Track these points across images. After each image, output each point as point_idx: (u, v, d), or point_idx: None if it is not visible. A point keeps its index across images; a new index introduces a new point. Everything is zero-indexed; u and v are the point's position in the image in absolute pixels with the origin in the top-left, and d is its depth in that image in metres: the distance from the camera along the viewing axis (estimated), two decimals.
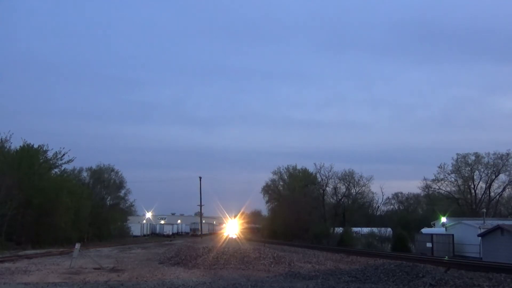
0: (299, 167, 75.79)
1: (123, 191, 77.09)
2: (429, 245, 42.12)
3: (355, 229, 58.01)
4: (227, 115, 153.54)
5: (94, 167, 69.14)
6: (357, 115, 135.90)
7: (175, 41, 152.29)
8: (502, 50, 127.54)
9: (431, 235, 43.70)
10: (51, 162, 47.90)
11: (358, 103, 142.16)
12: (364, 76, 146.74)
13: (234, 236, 39.14)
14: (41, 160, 46.40)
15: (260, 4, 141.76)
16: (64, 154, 48.00)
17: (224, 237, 38.13)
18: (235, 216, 58.48)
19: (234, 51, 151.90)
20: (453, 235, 41.50)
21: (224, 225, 69.66)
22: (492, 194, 63.33)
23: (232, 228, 55.06)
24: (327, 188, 72.60)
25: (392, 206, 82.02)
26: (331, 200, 73.41)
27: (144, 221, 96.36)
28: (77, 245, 21.85)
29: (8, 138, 43.83)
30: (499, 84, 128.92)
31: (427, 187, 67.62)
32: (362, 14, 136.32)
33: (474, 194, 63.98)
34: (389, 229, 58.82)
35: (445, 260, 23.53)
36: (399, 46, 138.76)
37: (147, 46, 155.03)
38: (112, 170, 72.65)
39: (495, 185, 62.61)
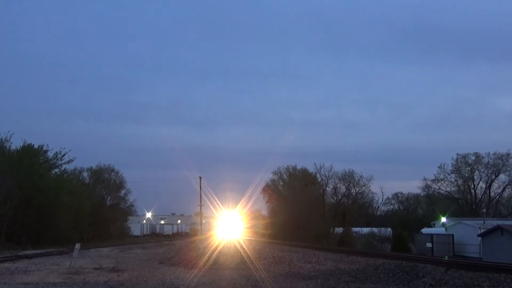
0: (299, 167, 75.67)
1: (123, 191, 77.09)
2: (429, 245, 42.14)
3: (355, 229, 58.05)
4: (225, 115, 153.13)
5: (94, 167, 69.14)
6: (356, 115, 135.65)
7: (172, 41, 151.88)
8: (499, 50, 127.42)
9: (431, 235, 43.74)
10: (51, 162, 47.85)
11: (356, 103, 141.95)
12: (361, 76, 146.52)
13: (233, 238, 34.60)
14: (41, 160, 46.37)
15: (257, 4, 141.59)
16: (64, 154, 48.00)
17: (216, 241, 29.79)
18: (233, 213, 54.85)
19: (231, 51, 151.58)
20: (453, 235, 41.53)
21: (216, 222, 59.90)
22: (492, 194, 63.53)
23: (231, 227, 51.42)
24: (327, 188, 72.62)
25: (392, 206, 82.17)
26: (331, 200, 73.39)
27: (144, 221, 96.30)
28: (77, 245, 21.85)
29: (8, 138, 43.77)
30: (497, 84, 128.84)
31: (427, 187, 67.80)
32: (360, 15, 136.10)
33: (474, 194, 64.07)
34: (389, 229, 58.89)
35: (445, 260, 23.51)
36: (396, 47, 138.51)
37: (144, 46, 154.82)
38: (112, 170, 72.66)
39: (495, 185, 62.87)
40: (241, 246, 26.33)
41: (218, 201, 54.05)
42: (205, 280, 14.76)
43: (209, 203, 58.60)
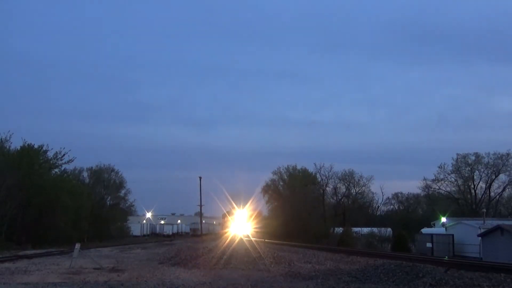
0: (299, 167, 75.76)
1: (123, 191, 77.21)
2: (429, 245, 42.10)
3: (355, 229, 57.97)
4: (224, 115, 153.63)
5: (94, 167, 69.23)
6: (355, 115, 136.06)
7: (172, 41, 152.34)
8: (498, 49, 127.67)
9: (431, 235, 43.68)
10: (51, 162, 47.92)
11: (355, 103, 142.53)
12: (360, 77, 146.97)
13: (244, 236, 34.53)
14: (41, 160, 46.42)
15: (256, 4, 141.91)
16: (64, 154, 48.11)
17: (229, 238, 30.90)
18: (234, 213, 54.44)
19: (230, 51, 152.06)
20: (453, 235, 41.47)
21: (229, 220, 60.99)
22: (492, 194, 63.45)
23: (242, 225, 50.22)
24: (327, 188, 72.67)
25: (392, 206, 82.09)
26: (331, 200, 73.39)
27: (144, 221, 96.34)
28: (77, 245, 21.83)
29: (8, 138, 43.85)
30: (496, 84, 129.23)
31: (427, 187, 67.72)
32: (358, 14, 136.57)
33: (474, 194, 64.01)
34: (389, 229, 58.80)
35: (445, 260, 23.52)
36: (395, 46, 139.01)
37: (144, 46, 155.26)
38: (112, 170, 72.75)
39: (495, 185, 62.80)
40: (241, 246, 26.35)
41: (218, 201, 54.17)
42: (205, 280, 14.76)
43: (209, 203, 58.73)
